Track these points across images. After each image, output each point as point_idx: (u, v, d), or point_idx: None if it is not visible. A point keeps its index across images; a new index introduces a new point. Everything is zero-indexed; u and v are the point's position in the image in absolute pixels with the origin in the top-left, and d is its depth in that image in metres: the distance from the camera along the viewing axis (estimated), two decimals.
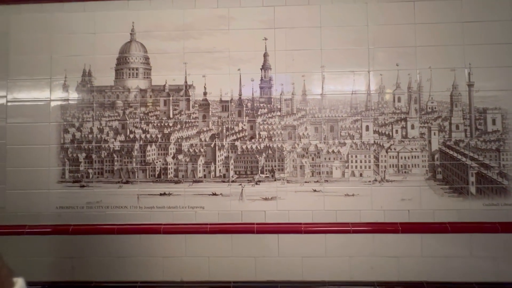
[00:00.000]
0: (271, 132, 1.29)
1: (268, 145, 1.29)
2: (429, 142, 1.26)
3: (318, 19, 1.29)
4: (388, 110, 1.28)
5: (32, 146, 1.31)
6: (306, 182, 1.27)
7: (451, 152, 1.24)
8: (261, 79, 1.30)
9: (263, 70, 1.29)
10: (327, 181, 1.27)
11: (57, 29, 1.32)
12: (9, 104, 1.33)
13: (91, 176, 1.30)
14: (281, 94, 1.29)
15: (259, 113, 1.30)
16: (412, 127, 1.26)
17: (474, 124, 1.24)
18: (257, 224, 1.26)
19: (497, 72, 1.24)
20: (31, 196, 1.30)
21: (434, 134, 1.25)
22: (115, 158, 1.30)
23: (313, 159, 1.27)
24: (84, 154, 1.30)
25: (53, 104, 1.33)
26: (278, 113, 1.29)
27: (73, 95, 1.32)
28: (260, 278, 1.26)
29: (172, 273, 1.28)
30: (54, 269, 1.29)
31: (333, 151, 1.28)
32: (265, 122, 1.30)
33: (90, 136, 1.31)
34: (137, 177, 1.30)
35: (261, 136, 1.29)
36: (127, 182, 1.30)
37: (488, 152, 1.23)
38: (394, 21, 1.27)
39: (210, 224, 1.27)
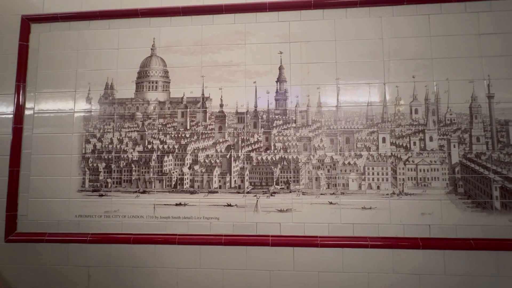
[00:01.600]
0: (286, 144, 1.30)
1: (283, 156, 1.29)
2: (449, 154, 1.23)
3: (332, 33, 1.31)
4: (405, 122, 1.26)
5: (55, 156, 1.36)
6: (322, 194, 1.26)
7: (472, 165, 1.21)
8: (277, 91, 1.32)
9: (278, 83, 1.31)
10: (343, 193, 1.25)
11: (83, 45, 1.40)
12: (35, 115, 1.39)
13: (109, 185, 1.33)
14: (296, 106, 1.31)
15: (274, 124, 1.31)
16: (431, 139, 1.24)
17: (496, 136, 1.21)
18: (272, 236, 1.25)
19: None
20: (52, 204, 1.34)
21: (454, 146, 1.23)
22: (133, 168, 1.33)
23: (328, 171, 1.26)
24: (104, 164, 1.34)
25: (76, 115, 1.38)
26: (294, 125, 1.30)
27: (96, 107, 1.38)
28: None
29: (186, 285, 1.27)
30: (71, 277, 1.30)
31: (349, 163, 1.26)
32: (280, 134, 1.31)
33: (110, 146, 1.35)
34: (154, 187, 1.32)
35: (276, 147, 1.30)
36: (144, 192, 1.32)
37: None
38: (409, 34, 1.28)
39: (225, 235, 1.26)
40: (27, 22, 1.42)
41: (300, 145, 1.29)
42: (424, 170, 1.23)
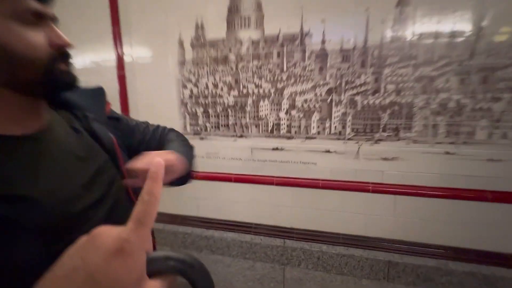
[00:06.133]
0: (400, 85, 1.12)
1: (394, 100, 1.14)
2: None
3: None
4: None
5: (157, 102, 1.45)
6: (437, 143, 1.12)
7: None
8: (395, 20, 1.08)
9: (399, 7, 1.06)
10: (466, 142, 1.10)
11: None
12: (134, 62, 1.45)
13: (208, 129, 1.41)
14: (419, 38, 1.07)
15: (387, 62, 1.12)
16: None
17: None
18: (372, 183, 1.22)
19: None
20: None
21: None
22: (230, 113, 1.36)
23: (451, 117, 1.09)
24: (201, 109, 1.39)
25: (170, 61, 1.39)
26: (414, 61, 1.09)
27: (188, 51, 1.36)
28: (369, 234, 1.28)
29: (282, 220, 1.39)
30: (184, 205, 1.55)
31: (480, 108, 1.06)
32: (393, 73, 1.12)
33: (206, 91, 1.37)
34: (251, 131, 1.34)
35: (387, 90, 1.14)
36: (241, 136, 1.36)
37: None
38: None
39: (322, 180, 1.28)
40: None
41: (418, 87, 1.11)
42: None
